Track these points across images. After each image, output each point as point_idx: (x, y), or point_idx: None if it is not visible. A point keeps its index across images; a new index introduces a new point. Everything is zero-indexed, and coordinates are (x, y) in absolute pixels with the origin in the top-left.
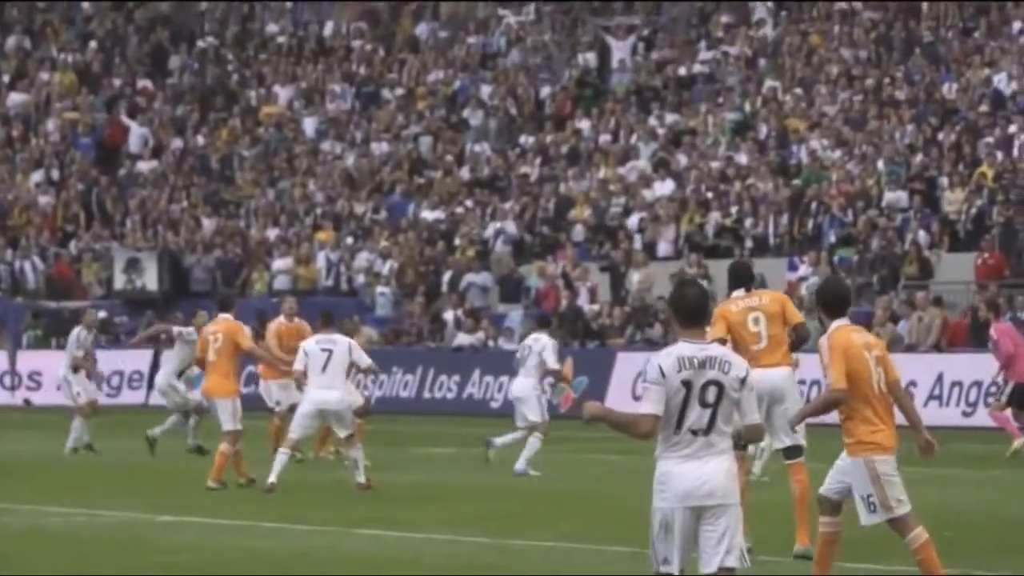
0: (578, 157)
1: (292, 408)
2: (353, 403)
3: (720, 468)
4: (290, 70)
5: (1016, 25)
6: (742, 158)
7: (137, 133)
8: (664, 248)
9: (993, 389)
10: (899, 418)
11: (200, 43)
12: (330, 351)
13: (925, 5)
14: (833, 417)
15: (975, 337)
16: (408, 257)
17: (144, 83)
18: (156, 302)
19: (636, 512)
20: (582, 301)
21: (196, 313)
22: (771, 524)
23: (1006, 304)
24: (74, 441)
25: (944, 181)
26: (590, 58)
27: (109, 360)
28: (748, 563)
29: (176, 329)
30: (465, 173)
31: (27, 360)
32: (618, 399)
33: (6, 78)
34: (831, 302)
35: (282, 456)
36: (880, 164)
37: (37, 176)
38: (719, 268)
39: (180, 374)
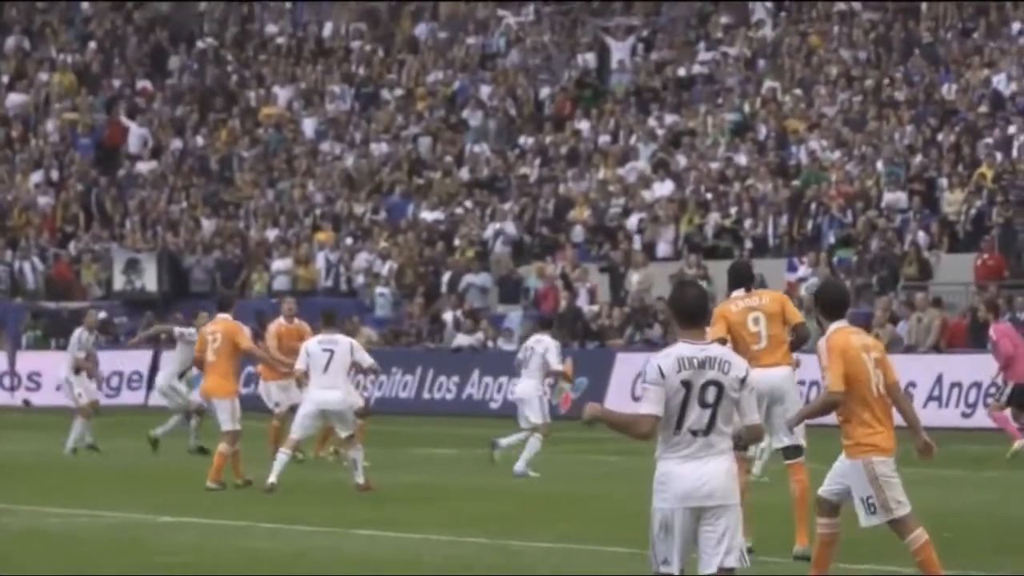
0: (577, 158)
1: (291, 409)
2: (354, 403)
3: (720, 468)
4: (289, 71)
5: (1015, 26)
6: (741, 159)
7: (136, 134)
8: (663, 249)
9: (993, 390)
10: (898, 419)
11: (199, 44)
12: (332, 351)
13: (924, 6)
14: (833, 418)
15: (974, 338)
16: (407, 258)
17: (143, 84)
18: (155, 303)
19: (635, 513)
20: (581, 302)
21: (197, 314)
22: (771, 524)
23: (1005, 305)
24: (74, 441)
25: (943, 182)
26: (589, 59)
27: (108, 361)
28: (748, 563)
29: (178, 330)
30: (464, 174)
31: (26, 361)
32: (617, 400)
33: (5, 79)
34: (830, 304)
35: (282, 456)
36: (879, 165)
37: (36, 177)
38: (718, 269)
39: (181, 375)
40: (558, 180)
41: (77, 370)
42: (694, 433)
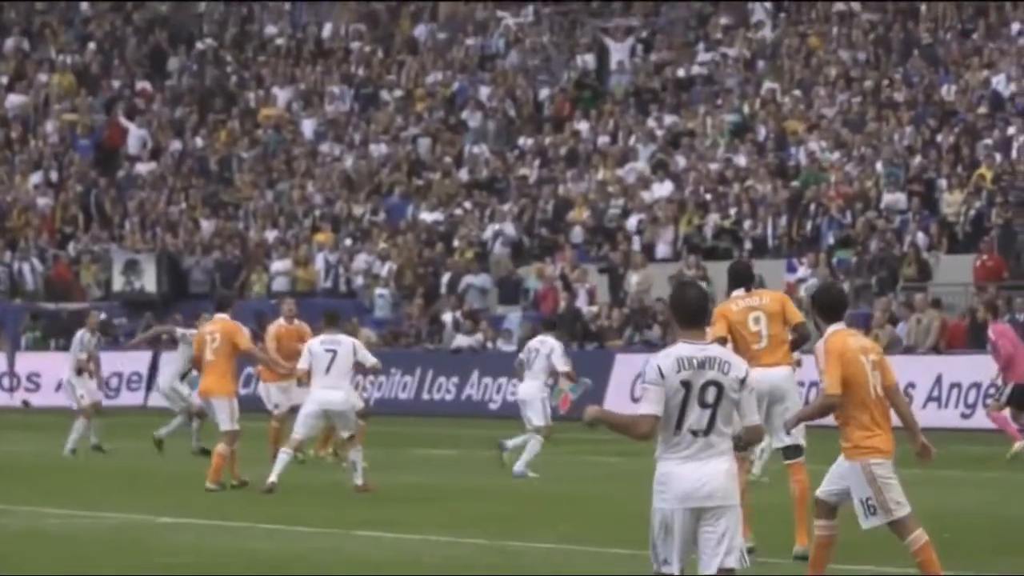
0: (577, 159)
1: (291, 410)
2: (356, 404)
3: (720, 469)
4: (289, 72)
5: (1015, 27)
6: (741, 160)
7: (136, 135)
8: (663, 250)
9: (992, 391)
10: (896, 420)
11: (199, 45)
12: (334, 351)
13: (924, 6)
14: (833, 418)
15: (974, 339)
16: (407, 259)
17: (143, 85)
18: (155, 304)
19: (636, 514)
20: (581, 303)
21: (200, 316)
22: (771, 525)
23: (1005, 306)
24: (73, 442)
25: (943, 183)
26: (589, 60)
27: (108, 361)
28: (748, 563)
29: (180, 331)
30: (464, 175)
31: (26, 361)
32: (617, 401)
33: (5, 79)
34: (827, 307)
35: (284, 456)
36: (879, 166)
37: (36, 178)
38: (718, 270)
39: (183, 376)
40: (557, 181)
41: (79, 371)
42: (694, 433)
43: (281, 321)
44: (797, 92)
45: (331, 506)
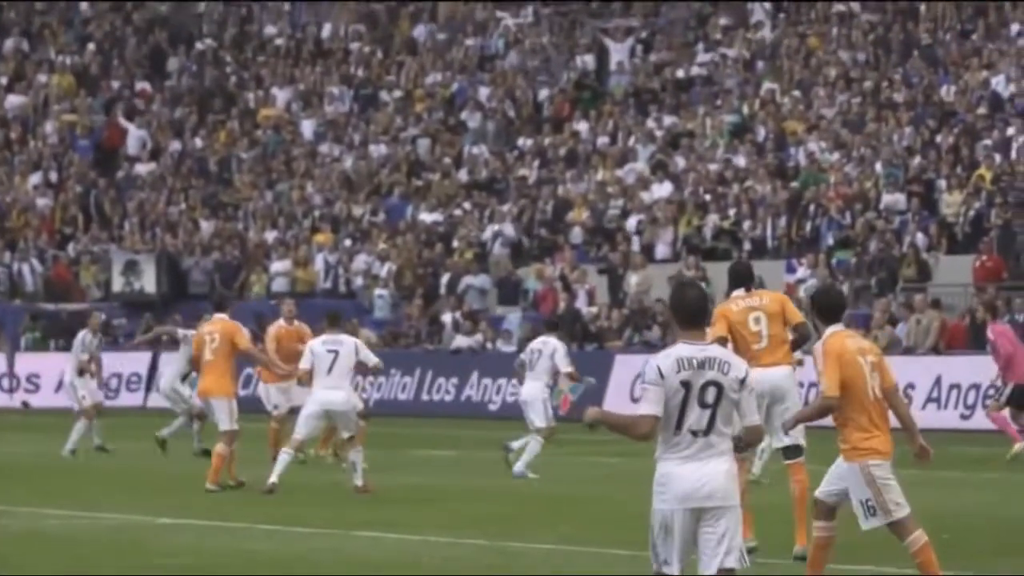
0: (576, 159)
1: (291, 411)
2: (357, 404)
3: (720, 469)
4: (288, 72)
5: (1014, 27)
6: (740, 160)
7: (135, 135)
8: (662, 250)
9: (992, 391)
10: (895, 422)
11: (198, 45)
12: (336, 352)
13: (923, 7)
14: (832, 420)
15: (973, 339)
16: (406, 259)
17: (142, 85)
18: (154, 304)
19: (636, 514)
20: (580, 303)
21: (201, 317)
22: (770, 525)
23: (1004, 307)
24: (73, 443)
25: (942, 183)
26: (588, 60)
27: (107, 362)
28: (748, 563)
29: (181, 332)
30: (463, 175)
31: (25, 362)
32: (616, 401)
33: (4, 80)
34: (825, 309)
35: (285, 456)
36: (878, 166)
37: (35, 178)
38: (717, 270)
39: (184, 378)
40: (557, 181)
41: (81, 372)
42: (694, 434)
43: (281, 322)
44: (796, 93)
45: (331, 507)
